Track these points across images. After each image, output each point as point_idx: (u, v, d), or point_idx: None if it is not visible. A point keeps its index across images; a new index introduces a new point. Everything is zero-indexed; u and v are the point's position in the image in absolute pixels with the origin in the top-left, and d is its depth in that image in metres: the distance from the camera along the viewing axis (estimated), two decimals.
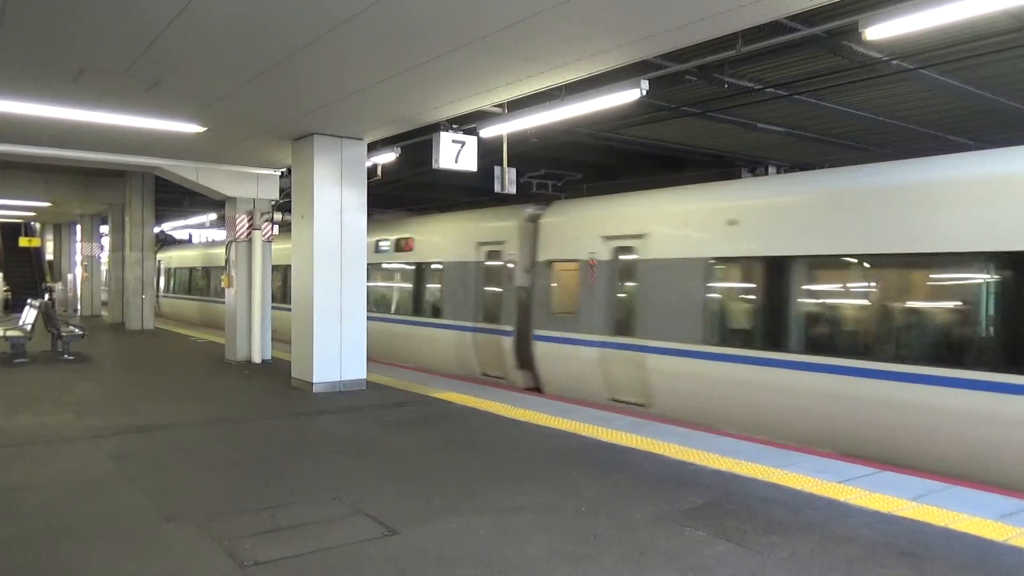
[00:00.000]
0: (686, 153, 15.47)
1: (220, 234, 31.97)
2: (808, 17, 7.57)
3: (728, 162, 15.47)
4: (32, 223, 32.25)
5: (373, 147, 10.91)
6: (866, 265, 7.71)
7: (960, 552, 4.27)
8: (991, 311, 6.79)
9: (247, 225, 13.05)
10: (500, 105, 8.71)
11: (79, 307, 26.19)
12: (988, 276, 6.76)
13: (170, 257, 29.16)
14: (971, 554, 4.25)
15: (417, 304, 14.35)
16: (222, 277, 13.75)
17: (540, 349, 11.20)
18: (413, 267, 14.55)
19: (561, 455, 6.57)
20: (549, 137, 12.82)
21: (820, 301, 8.16)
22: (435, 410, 8.67)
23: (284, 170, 13.10)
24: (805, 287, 8.10)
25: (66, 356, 13.27)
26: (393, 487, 5.57)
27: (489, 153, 10.87)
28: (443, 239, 14.04)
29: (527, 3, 5.20)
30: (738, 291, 9.09)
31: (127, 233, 19.94)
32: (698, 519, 4.82)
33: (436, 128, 9.12)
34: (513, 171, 10.93)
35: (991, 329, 6.89)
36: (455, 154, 9.09)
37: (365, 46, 6.23)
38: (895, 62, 9.38)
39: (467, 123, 9.49)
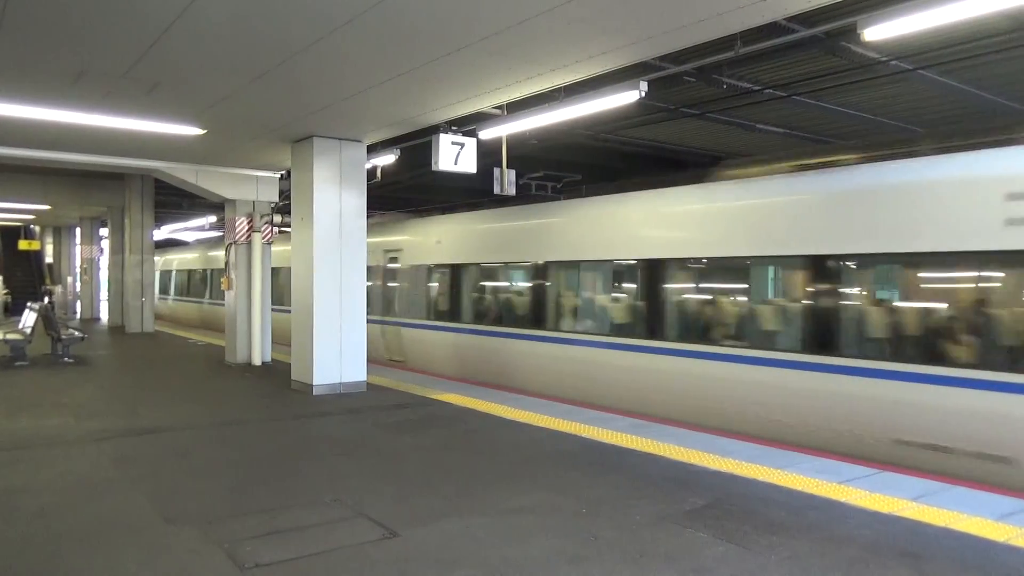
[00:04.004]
0: (685, 154, 15.50)
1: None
2: (807, 18, 7.58)
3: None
4: (31, 226, 32.21)
5: (373, 149, 10.91)
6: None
7: (961, 552, 4.28)
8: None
9: (246, 227, 13.06)
10: (499, 107, 8.72)
11: (78, 309, 26.17)
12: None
13: None
14: (972, 554, 4.25)
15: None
16: (222, 280, 13.74)
17: None
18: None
19: (561, 456, 6.57)
20: (549, 139, 12.84)
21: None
22: (435, 412, 8.67)
23: (284, 172, 13.11)
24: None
25: (66, 359, 13.27)
26: (393, 489, 5.57)
27: (489, 154, 10.88)
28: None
29: (526, 5, 5.21)
30: None
31: (126, 236, 19.97)
32: (698, 520, 4.83)
33: (435, 130, 9.13)
34: (512, 172, 10.95)
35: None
36: (455, 156, 9.10)
37: (365, 48, 6.24)
38: (893, 62, 9.39)
39: (466, 125, 9.50)
